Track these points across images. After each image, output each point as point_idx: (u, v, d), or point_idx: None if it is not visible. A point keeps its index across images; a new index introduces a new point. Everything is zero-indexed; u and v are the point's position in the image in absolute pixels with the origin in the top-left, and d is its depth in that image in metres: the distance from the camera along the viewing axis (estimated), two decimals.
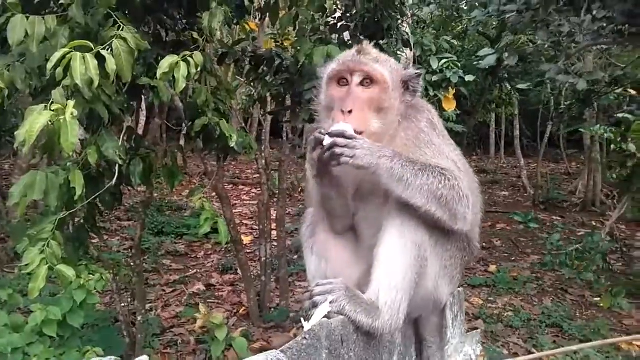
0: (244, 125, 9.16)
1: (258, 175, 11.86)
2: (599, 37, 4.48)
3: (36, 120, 2.97)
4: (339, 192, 2.29)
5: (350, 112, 2.12)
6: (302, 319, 1.90)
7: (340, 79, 2.23)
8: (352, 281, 2.15)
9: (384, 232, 2.07)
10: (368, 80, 2.19)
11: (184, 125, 6.91)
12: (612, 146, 4.91)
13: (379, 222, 2.13)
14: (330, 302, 1.92)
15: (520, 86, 8.31)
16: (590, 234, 5.11)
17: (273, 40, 6.10)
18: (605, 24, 4.19)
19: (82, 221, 4.43)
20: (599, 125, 4.36)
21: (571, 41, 4.35)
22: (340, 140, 2.01)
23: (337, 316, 1.88)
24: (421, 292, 2.14)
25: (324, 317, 1.81)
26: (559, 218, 12.34)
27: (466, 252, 2.34)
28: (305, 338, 1.60)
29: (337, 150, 1.99)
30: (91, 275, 4.01)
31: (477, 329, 3.12)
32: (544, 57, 11.45)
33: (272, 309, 7.66)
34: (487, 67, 7.52)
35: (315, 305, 1.94)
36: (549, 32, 4.17)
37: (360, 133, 2.13)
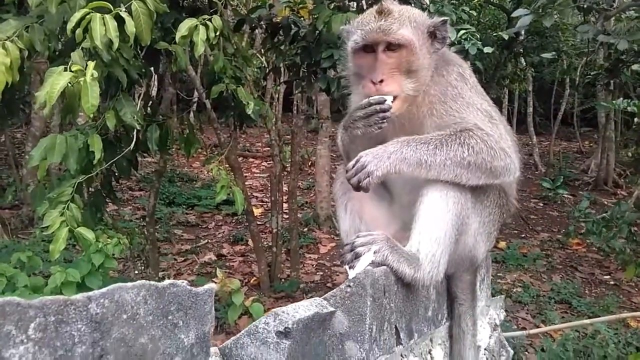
0: (259, 94, 9.10)
1: (268, 148, 11.88)
2: None
3: (56, 81, 2.95)
4: None
5: (381, 81, 2.11)
6: (346, 267, 1.92)
7: (366, 46, 2.18)
8: None
9: (425, 190, 2.06)
10: (394, 45, 2.13)
11: (195, 95, 6.91)
12: (636, 120, 4.80)
13: (414, 180, 2.11)
14: (374, 252, 1.94)
15: (544, 55, 8.15)
16: (617, 202, 5.07)
17: (289, 9, 6.00)
18: None
19: (98, 187, 4.46)
20: (621, 99, 4.26)
21: (609, 4, 4.22)
22: (349, 174, 2.02)
23: (379, 267, 1.89)
24: (459, 248, 2.15)
25: (367, 266, 1.83)
26: (570, 196, 12.28)
27: (504, 208, 2.34)
28: (349, 286, 1.61)
29: (353, 180, 2.00)
30: (109, 240, 4.05)
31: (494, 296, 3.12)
32: (562, 32, 11.21)
33: (283, 280, 7.75)
34: (505, 40, 7.37)
35: (357, 256, 1.95)
36: None
37: (395, 98, 2.12)
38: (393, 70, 2.14)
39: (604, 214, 4.74)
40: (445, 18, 2.26)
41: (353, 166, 2.01)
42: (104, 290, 0.87)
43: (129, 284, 0.92)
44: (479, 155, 2.02)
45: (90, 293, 0.87)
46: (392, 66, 2.14)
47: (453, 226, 2.03)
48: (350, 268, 1.89)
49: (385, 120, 2.08)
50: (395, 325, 1.79)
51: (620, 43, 4.05)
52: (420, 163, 2.00)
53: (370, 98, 2.11)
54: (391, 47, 2.14)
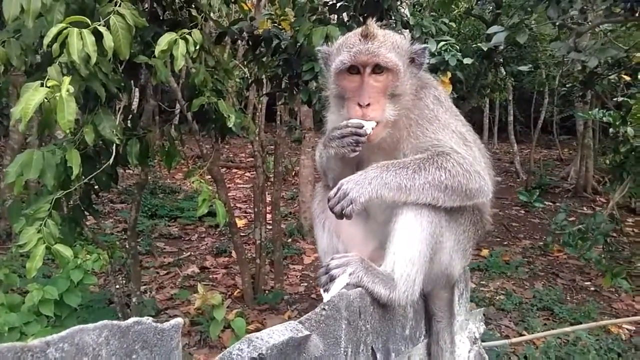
0: (240, 107, 9.10)
1: (252, 158, 11.85)
2: (610, 14, 4.47)
3: (32, 97, 2.91)
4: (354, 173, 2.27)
5: (368, 105, 2.11)
6: (321, 290, 1.93)
7: (351, 67, 2.18)
8: (365, 256, 2.15)
9: (399, 209, 2.09)
10: (380, 68, 2.15)
11: (177, 107, 6.88)
12: (611, 130, 4.94)
13: None
14: (349, 274, 1.96)
15: (521, 68, 8.32)
16: (593, 214, 5.19)
17: (270, 21, 6.01)
18: (617, 1, 4.18)
19: (77, 201, 4.39)
20: (597, 109, 4.37)
21: (583, 19, 4.34)
22: (332, 202, 2.03)
23: (355, 288, 1.90)
24: (435, 266, 2.18)
25: (342, 289, 1.84)
26: (551, 203, 12.46)
27: (478, 225, 2.39)
28: (324, 309, 1.60)
29: (336, 209, 2.00)
30: (88, 255, 3.99)
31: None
32: (540, 42, 11.44)
33: (267, 292, 7.70)
34: (484, 51, 7.49)
35: (332, 279, 1.97)
36: (559, 9, 4.15)
37: (377, 123, 2.14)
38: (378, 93, 2.16)
39: (580, 226, 4.82)
40: (426, 45, 2.31)
41: (335, 194, 2.02)
42: (63, 333, 0.84)
43: (91, 325, 0.89)
44: (455, 178, 2.07)
45: (49, 337, 0.84)
46: (377, 90, 2.16)
47: (427, 245, 2.06)
48: (325, 291, 1.90)
49: (359, 145, 2.10)
50: (372, 347, 1.79)
51: (591, 60, 4.16)
52: (400, 187, 2.04)
53: (349, 121, 2.12)
54: (377, 70, 2.16)
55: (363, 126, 2.10)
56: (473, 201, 2.18)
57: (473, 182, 2.11)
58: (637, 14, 4.14)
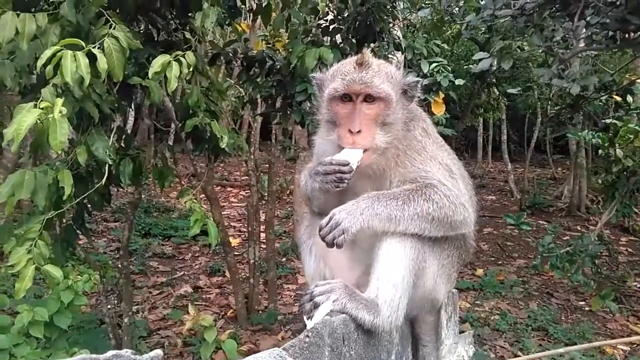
0: (234, 126, 9.15)
1: (247, 177, 11.85)
2: (592, 42, 4.60)
3: (24, 118, 2.92)
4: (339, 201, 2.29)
5: (358, 132, 2.15)
6: (304, 318, 1.94)
7: (345, 95, 2.22)
8: (351, 282, 2.19)
9: (383, 235, 2.13)
10: (371, 97, 2.19)
11: (172, 125, 6.91)
12: (600, 151, 5.01)
13: None
14: (333, 301, 1.97)
15: (510, 91, 8.45)
16: (580, 236, 5.21)
17: (264, 42, 6.10)
18: (598, 30, 4.30)
19: (70, 221, 4.38)
20: (587, 131, 4.44)
21: (565, 46, 4.45)
22: (323, 231, 2.06)
23: (339, 315, 1.90)
24: (419, 291, 2.21)
25: (325, 316, 1.85)
26: (545, 222, 12.48)
27: (462, 250, 2.42)
28: (307, 336, 1.61)
29: (328, 238, 2.03)
30: (79, 276, 3.96)
31: (463, 332, 3.17)
32: (532, 63, 11.60)
33: (260, 312, 7.65)
34: (477, 72, 7.60)
35: (316, 306, 1.99)
36: (543, 36, 4.27)
37: (365, 150, 2.17)
38: (370, 121, 2.19)
39: (568, 248, 4.84)
40: (418, 79, 2.37)
41: (327, 224, 2.05)
42: None
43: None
44: (442, 210, 2.13)
45: None
46: (369, 117, 2.20)
47: (411, 271, 2.09)
48: (308, 319, 1.91)
49: (343, 181, 2.12)
50: None
51: (573, 87, 4.25)
52: (390, 218, 2.08)
53: (334, 157, 2.16)
54: (369, 99, 2.20)
55: (348, 163, 2.12)
56: (456, 232, 2.24)
57: (458, 214, 2.17)
58: (617, 42, 4.25)
